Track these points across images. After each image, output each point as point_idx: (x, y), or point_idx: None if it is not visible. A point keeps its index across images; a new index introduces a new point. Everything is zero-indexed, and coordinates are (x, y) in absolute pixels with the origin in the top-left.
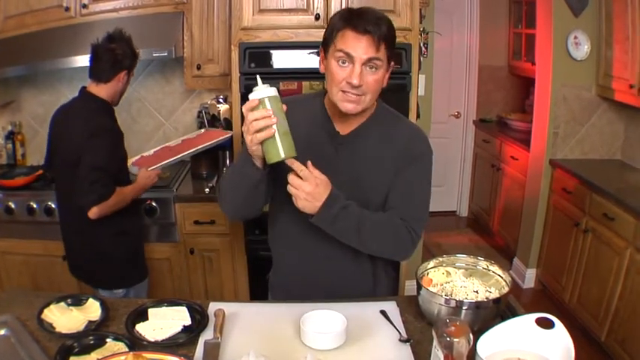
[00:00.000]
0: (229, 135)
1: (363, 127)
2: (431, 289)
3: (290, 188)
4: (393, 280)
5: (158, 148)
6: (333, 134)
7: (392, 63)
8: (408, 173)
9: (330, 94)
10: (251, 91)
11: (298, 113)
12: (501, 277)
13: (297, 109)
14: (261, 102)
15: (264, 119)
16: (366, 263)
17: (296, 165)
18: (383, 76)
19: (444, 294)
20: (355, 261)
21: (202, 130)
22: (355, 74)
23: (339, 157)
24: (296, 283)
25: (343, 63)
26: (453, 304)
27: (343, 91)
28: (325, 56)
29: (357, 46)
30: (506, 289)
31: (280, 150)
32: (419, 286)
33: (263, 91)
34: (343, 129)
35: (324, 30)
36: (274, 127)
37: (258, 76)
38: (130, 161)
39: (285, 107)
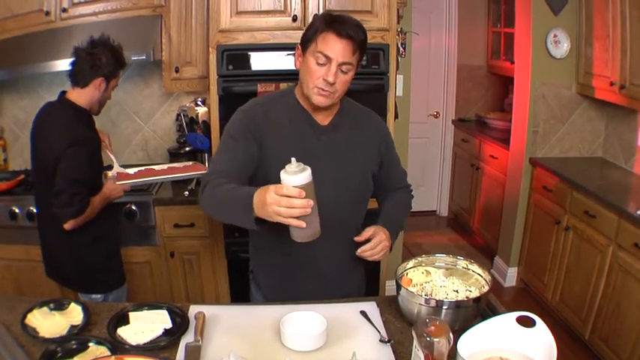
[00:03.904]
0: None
1: (338, 118)
2: (410, 289)
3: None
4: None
5: (143, 168)
6: (314, 125)
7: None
8: (389, 152)
9: (305, 88)
10: (230, 93)
11: (279, 109)
12: (481, 276)
13: (277, 104)
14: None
15: (302, 208)
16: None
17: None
18: (351, 78)
19: (423, 294)
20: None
21: (190, 163)
22: (331, 73)
23: (322, 145)
24: (280, 268)
25: (321, 63)
26: (432, 303)
27: (318, 87)
28: (303, 54)
29: (337, 50)
30: (486, 288)
31: (306, 233)
32: (398, 286)
33: (302, 176)
34: (322, 120)
35: (306, 30)
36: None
37: (293, 159)
38: (111, 172)
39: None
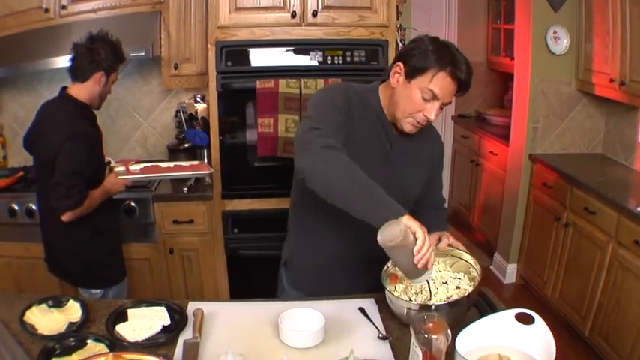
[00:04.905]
0: (210, 171)
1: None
2: (398, 285)
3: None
4: None
5: (149, 164)
6: (389, 131)
7: None
8: (440, 169)
9: (399, 112)
10: (229, 89)
11: (361, 103)
12: (466, 261)
13: (359, 98)
14: None
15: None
16: None
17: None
18: None
19: (412, 290)
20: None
21: (196, 162)
22: (435, 112)
23: (394, 153)
24: (323, 265)
25: (427, 99)
26: (416, 307)
27: (415, 120)
28: (407, 78)
29: (447, 91)
30: (475, 274)
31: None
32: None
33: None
34: (396, 129)
35: (414, 50)
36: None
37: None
38: (117, 168)
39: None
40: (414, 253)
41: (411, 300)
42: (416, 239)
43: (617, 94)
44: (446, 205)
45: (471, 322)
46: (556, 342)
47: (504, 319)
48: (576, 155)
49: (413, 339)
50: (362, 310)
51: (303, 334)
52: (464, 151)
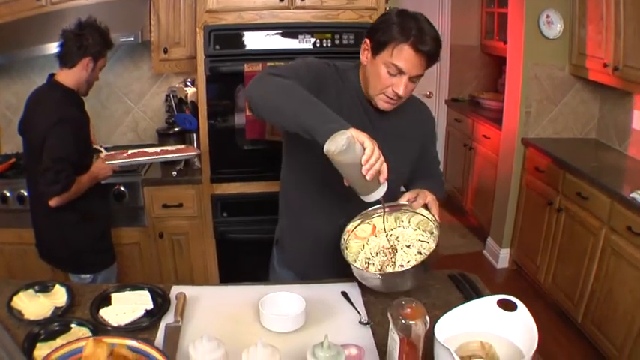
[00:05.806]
0: (197, 153)
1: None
2: (372, 238)
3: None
4: None
5: (136, 150)
6: (368, 110)
7: None
8: (432, 145)
9: (371, 90)
10: (217, 73)
11: (340, 78)
12: (424, 216)
13: (339, 73)
14: None
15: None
16: None
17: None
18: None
19: (376, 248)
20: None
21: (183, 146)
22: (403, 86)
23: (376, 132)
24: (310, 245)
25: (392, 74)
26: (376, 275)
27: (386, 95)
28: (373, 54)
29: (412, 64)
30: (434, 229)
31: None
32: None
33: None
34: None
35: (378, 26)
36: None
37: None
38: (104, 154)
39: None
40: (362, 163)
41: (371, 258)
42: (364, 150)
43: (611, 80)
44: (442, 174)
45: (453, 307)
46: (547, 329)
47: (486, 305)
48: (569, 140)
49: (391, 325)
50: (344, 294)
51: (282, 318)
52: (457, 134)
